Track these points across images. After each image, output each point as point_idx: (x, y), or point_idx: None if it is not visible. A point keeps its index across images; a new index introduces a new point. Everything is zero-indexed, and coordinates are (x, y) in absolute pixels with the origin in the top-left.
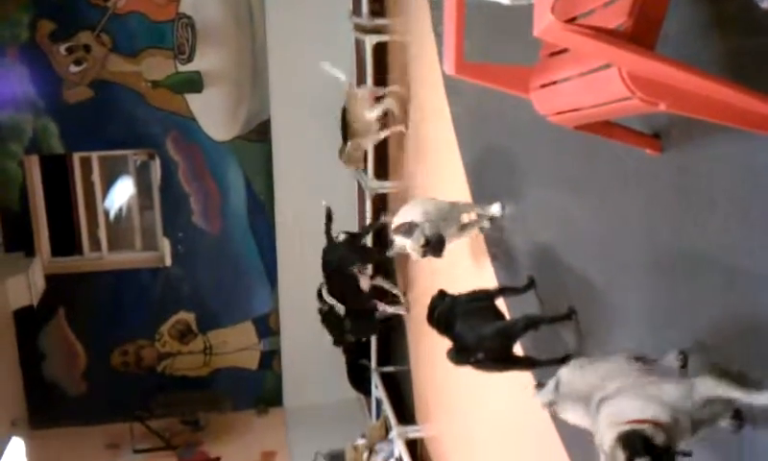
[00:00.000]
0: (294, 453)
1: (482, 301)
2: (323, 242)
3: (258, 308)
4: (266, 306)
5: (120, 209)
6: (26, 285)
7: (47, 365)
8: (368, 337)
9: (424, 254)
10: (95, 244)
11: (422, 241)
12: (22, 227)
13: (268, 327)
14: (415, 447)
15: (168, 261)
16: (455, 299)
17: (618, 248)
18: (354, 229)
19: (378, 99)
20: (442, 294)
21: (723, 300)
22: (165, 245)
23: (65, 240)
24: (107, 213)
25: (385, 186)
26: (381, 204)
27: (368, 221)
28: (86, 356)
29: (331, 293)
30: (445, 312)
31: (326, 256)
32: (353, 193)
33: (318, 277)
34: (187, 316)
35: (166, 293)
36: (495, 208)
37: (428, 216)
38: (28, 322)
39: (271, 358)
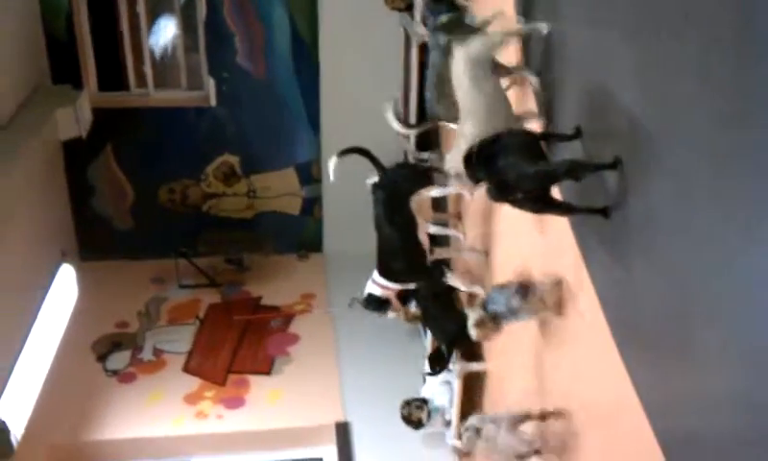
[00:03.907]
0: (332, 297)
1: (527, 138)
2: (367, 92)
3: (301, 155)
4: (309, 154)
5: (165, 47)
6: (74, 117)
7: (96, 199)
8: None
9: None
10: (141, 80)
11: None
12: (69, 58)
13: (310, 175)
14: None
15: (213, 101)
16: (499, 134)
17: (671, 96)
18: (398, 80)
19: None
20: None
21: None
22: (210, 85)
23: (112, 75)
24: (152, 50)
25: None
26: (427, 53)
27: (413, 71)
28: (134, 192)
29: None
30: (488, 145)
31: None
32: (399, 39)
33: (362, 125)
34: (232, 158)
35: (211, 134)
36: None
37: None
38: (77, 155)
39: (312, 205)
